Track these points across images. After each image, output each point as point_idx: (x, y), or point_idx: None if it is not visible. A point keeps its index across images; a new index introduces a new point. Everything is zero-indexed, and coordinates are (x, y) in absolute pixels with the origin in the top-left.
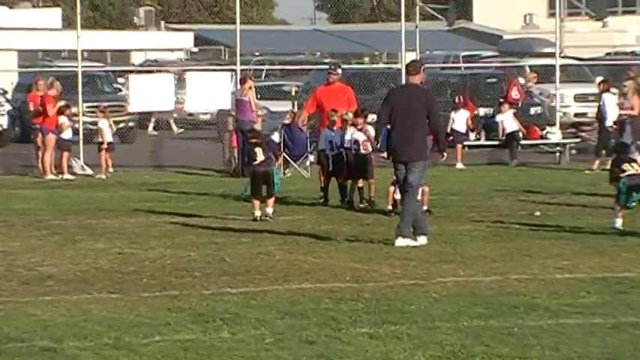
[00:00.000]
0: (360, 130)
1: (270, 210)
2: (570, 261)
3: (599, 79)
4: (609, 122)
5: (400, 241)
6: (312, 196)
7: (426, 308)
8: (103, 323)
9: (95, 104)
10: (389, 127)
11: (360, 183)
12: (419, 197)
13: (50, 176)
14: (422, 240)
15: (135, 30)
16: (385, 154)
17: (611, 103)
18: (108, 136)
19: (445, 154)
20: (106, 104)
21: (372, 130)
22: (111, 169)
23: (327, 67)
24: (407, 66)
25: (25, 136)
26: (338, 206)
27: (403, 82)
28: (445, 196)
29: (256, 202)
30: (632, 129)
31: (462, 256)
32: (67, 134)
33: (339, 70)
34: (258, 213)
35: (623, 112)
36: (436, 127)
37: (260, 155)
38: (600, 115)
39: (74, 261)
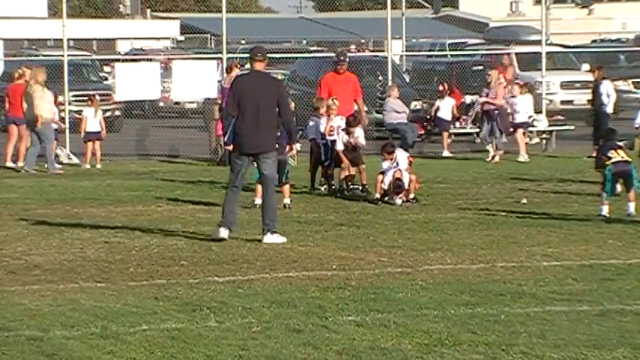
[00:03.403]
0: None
1: (287, 200)
2: (557, 248)
3: (585, 66)
4: (610, 109)
5: (269, 238)
6: (299, 184)
7: (413, 296)
8: (89, 312)
9: (81, 93)
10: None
11: (352, 170)
12: (406, 186)
13: (9, 164)
14: (278, 239)
15: (121, 18)
16: (231, 147)
17: (609, 90)
18: (90, 126)
19: (295, 148)
20: (92, 93)
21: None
22: (99, 166)
23: (334, 56)
24: (252, 51)
25: None
26: (324, 194)
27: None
28: (431, 184)
29: (259, 188)
30: (500, 120)
31: (448, 243)
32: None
33: (347, 59)
34: (258, 201)
35: (483, 99)
36: (287, 117)
37: None
38: (597, 102)
39: (61, 250)
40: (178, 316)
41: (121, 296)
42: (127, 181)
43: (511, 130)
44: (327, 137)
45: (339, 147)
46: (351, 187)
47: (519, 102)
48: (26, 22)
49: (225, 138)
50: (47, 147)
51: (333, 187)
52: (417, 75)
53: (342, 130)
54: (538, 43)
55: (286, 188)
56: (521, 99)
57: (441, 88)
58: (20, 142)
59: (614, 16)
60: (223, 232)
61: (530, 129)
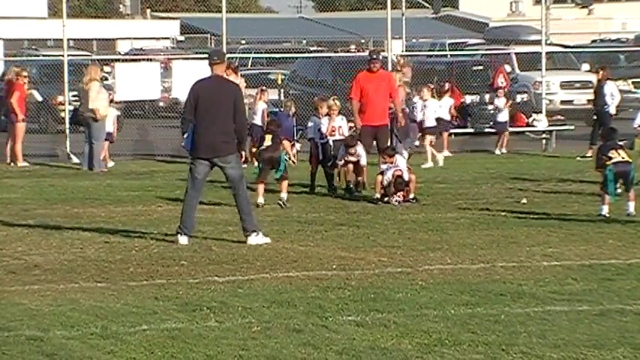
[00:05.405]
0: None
1: (284, 195)
2: (557, 248)
3: (585, 66)
4: (613, 110)
5: (253, 239)
6: (299, 184)
7: (413, 296)
8: (89, 312)
9: None
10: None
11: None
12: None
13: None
14: (261, 239)
15: (121, 18)
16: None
17: (613, 91)
18: (109, 127)
19: (244, 155)
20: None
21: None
22: (110, 164)
23: (367, 55)
24: (210, 55)
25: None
26: (325, 194)
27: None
28: (431, 184)
29: (260, 188)
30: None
31: (448, 243)
32: None
33: (381, 57)
34: (261, 200)
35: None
36: (240, 122)
37: (267, 141)
38: (600, 102)
39: (61, 250)
40: (178, 316)
41: (121, 296)
42: (127, 181)
43: (419, 134)
44: (329, 137)
45: (340, 163)
46: (351, 188)
47: (430, 106)
48: (26, 22)
49: (183, 143)
50: (95, 146)
51: (335, 187)
52: (417, 75)
53: (344, 151)
54: (538, 43)
55: (284, 184)
56: (432, 103)
57: (446, 86)
58: (15, 142)
59: (614, 16)
60: (182, 240)
61: (532, 129)
